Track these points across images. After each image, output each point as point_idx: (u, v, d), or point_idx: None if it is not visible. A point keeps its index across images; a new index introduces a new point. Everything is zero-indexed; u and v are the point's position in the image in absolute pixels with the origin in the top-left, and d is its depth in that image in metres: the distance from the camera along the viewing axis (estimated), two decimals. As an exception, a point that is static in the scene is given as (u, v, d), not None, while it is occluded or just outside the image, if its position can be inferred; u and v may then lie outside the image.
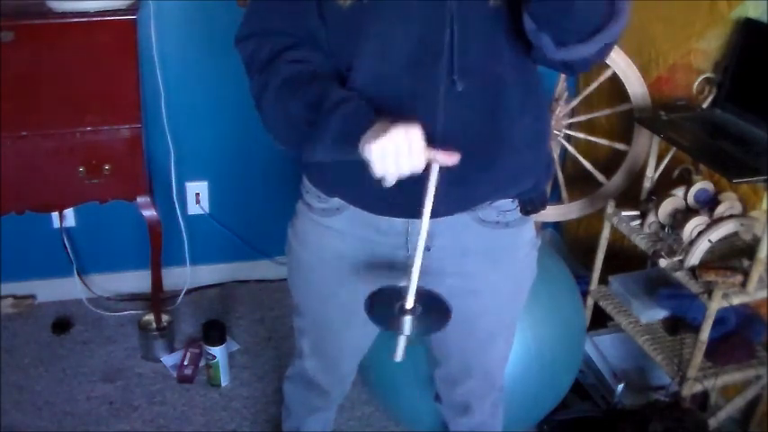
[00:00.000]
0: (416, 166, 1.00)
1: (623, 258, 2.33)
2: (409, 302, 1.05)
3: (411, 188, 1.17)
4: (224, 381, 2.29)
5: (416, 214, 1.23)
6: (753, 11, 1.94)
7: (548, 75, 1.33)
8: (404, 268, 1.31)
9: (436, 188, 1.17)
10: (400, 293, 1.06)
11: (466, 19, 1.08)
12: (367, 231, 1.27)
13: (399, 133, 0.99)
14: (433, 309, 1.10)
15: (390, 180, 1.02)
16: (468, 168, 1.18)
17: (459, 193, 1.21)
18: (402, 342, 1.07)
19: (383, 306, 1.09)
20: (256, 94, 1.16)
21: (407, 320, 1.05)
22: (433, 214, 1.23)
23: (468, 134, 1.16)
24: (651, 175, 2.10)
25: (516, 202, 1.28)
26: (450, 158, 1.02)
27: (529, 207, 1.29)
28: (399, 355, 1.07)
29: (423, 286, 1.07)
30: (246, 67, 1.15)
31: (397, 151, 0.99)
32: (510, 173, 1.22)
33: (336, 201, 1.27)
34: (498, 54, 1.12)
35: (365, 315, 1.39)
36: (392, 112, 1.10)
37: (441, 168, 1.17)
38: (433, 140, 1.16)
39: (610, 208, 2.10)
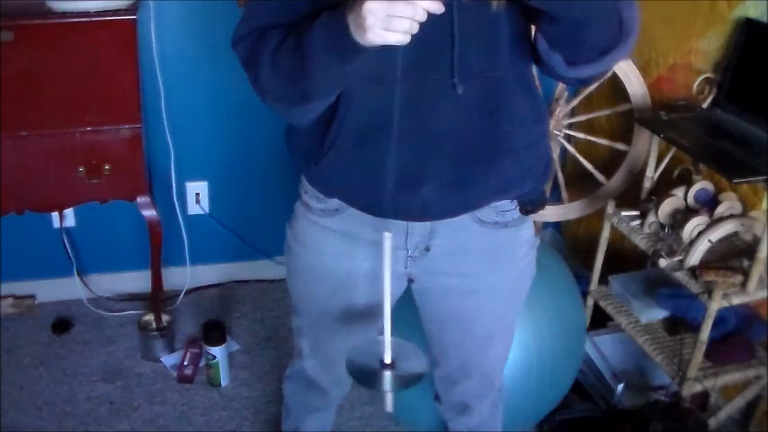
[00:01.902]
0: (414, 8, 0.92)
1: (623, 258, 2.33)
2: (387, 357, 1.04)
3: (410, 190, 1.18)
4: (224, 381, 2.29)
5: (416, 217, 1.23)
6: (753, 11, 1.94)
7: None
8: (404, 268, 1.32)
9: (435, 190, 1.18)
10: (377, 348, 1.04)
11: (467, 22, 1.08)
12: (366, 232, 1.27)
13: None
14: (412, 358, 1.09)
15: (402, 38, 0.94)
16: (467, 172, 1.18)
17: (458, 196, 1.21)
18: (389, 396, 1.07)
19: (363, 363, 1.07)
20: (253, 75, 1.14)
21: (388, 376, 1.04)
22: (433, 217, 1.24)
23: (468, 137, 1.16)
24: (651, 175, 2.10)
25: (515, 202, 1.28)
26: (436, 5, 0.94)
27: (528, 207, 1.29)
28: (389, 406, 1.07)
29: (398, 338, 1.06)
30: (245, 66, 1.15)
31: (386, 2, 0.92)
32: (510, 175, 1.22)
33: (335, 201, 1.27)
34: (498, 57, 1.13)
35: (363, 315, 1.40)
36: (391, 116, 1.10)
37: (441, 170, 1.17)
38: (431, 144, 1.16)
39: (610, 208, 2.10)
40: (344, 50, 1.00)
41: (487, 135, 1.16)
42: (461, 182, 1.18)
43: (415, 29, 0.94)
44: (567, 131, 2.40)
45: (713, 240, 1.83)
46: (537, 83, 1.27)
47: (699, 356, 1.85)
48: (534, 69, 1.23)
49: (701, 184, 1.97)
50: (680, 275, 1.85)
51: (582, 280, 2.21)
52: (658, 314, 2.08)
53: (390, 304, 1.04)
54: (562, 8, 0.99)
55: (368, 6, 0.92)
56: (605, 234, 2.15)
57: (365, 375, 1.06)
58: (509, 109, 1.16)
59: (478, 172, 1.19)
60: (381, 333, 1.05)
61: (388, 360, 1.04)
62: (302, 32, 1.05)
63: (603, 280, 2.21)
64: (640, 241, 1.97)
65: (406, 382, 1.05)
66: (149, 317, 2.41)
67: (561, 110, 2.35)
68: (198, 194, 2.60)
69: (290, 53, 1.07)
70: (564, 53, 1.07)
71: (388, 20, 0.92)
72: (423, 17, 0.93)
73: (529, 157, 1.23)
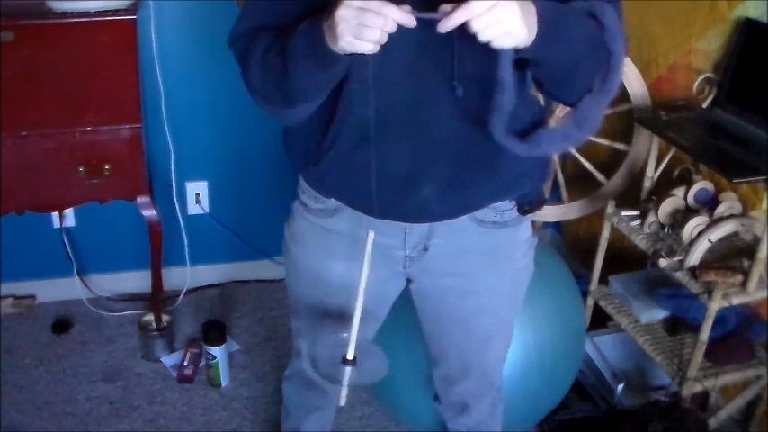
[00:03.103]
0: (385, 19, 0.93)
1: (623, 258, 2.33)
2: (350, 354, 1.08)
3: (410, 192, 1.18)
4: (224, 381, 2.29)
5: (413, 218, 1.23)
6: (753, 11, 1.93)
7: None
8: (402, 268, 1.32)
9: (435, 192, 1.18)
10: (343, 344, 1.09)
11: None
12: (364, 232, 1.27)
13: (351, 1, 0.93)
14: (373, 359, 1.13)
15: (372, 47, 0.95)
16: (467, 173, 1.18)
17: (458, 197, 1.21)
18: (344, 390, 1.11)
19: (326, 355, 1.12)
20: (244, 75, 1.15)
21: (347, 371, 1.08)
22: (432, 218, 1.24)
23: (468, 139, 1.16)
24: (651, 175, 2.10)
25: (513, 202, 1.28)
26: (407, 17, 0.94)
27: (526, 207, 1.29)
28: (342, 400, 1.11)
29: (364, 337, 1.10)
30: (241, 64, 1.16)
31: (357, 11, 0.93)
32: (509, 178, 1.22)
33: (333, 202, 1.27)
34: (498, 60, 1.12)
35: (363, 316, 1.39)
36: (390, 118, 1.10)
37: (440, 172, 1.17)
38: (431, 146, 1.16)
39: (610, 208, 2.10)
40: (322, 57, 1.01)
41: (487, 137, 1.16)
42: (460, 183, 1.18)
43: (385, 39, 0.95)
44: (567, 131, 2.40)
45: (713, 240, 1.83)
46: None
47: (699, 356, 1.85)
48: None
49: (701, 184, 1.97)
50: (680, 275, 1.85)
51: (582, 280, 2.21)
52: (658, 314, 2.08)
53: (362, 303, 1.07)
54: (549, 54, 1.01)
55: (340, 14, 0.94)
56: (605, 234, 2.15)
57: (328, 368, 1.11)
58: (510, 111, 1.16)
59: (477, 174, 1.19)
60: (348, 331, 1.08)
61: (350, 356, 1.08)
62: (287, 37, 1.05)
63: (603, 280, 2.21)
64: (640, 241, 1.97)
65: (363, 381, 1.10)
66: (149, 317, 2.41)
67: (561, 110, 2.34)
68: (198, 194, 2.60)
69: (275, 56, 1.08)
70: (551, 93, 1.11)
71: (359, 28, 0.93)
72: (393, 28, 0.94)
73: (528, 158, 1.23)
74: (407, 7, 0.94)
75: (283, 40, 1.06)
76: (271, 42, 1.09)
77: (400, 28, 0.94)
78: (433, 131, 1.14)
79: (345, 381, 1.08)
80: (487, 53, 1.11)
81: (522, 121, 1.19)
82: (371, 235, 1.05)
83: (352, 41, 0.95)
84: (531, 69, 1.07)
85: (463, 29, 1.06)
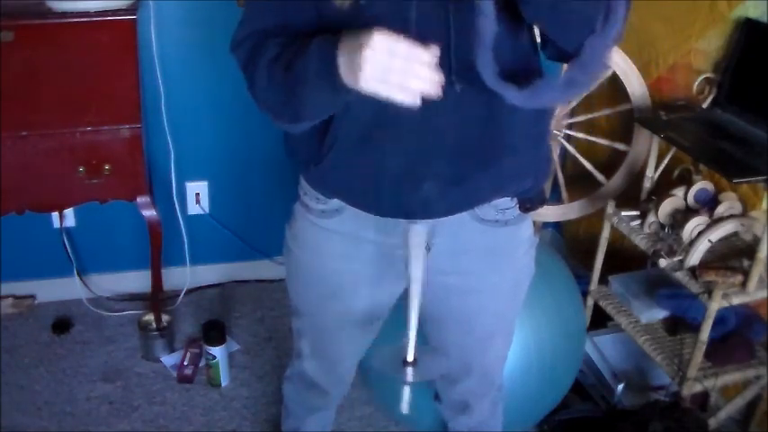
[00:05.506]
0: (414, 70, 0.91)
1: (623, 258, 2.33)
2: (410, 356, 1.13)
3: (411, 188, 1.18)
4: (224, 381, 2.29)
5: (417, 215, 1.23)
6: (753, 11, 1.94)
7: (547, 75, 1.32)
8: (404, 267, 1.31)
9: (436, 187, 1.18)
10: (401, 348, 1.15)
11: (464, 20, 1.07)
12: (366, 232, 1.27)
13: (381, 42, 0.91)
14: (432, 358, 1.20)
15: (411, 97, 0.93)
16: (467, 169, 1.18)
17: (459, 193, 1.21)
18: (407, 393, 1.16)
19: (386, 362, 1.18)
20: (249, 82, 1.14)
21: (410, 372, 1.13)
22: (433, 215, 1.24)
23: (468, 135, 1.15)
24: (651, 175, 2.11)
25: (515, 200, 1.28)
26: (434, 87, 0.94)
27: (528, 205, 1.29)
28: (405, 406, 1.17)
29: (419, 342, 1.16)
30: (245, 71, 1.15)
31: (386, 56, 0.91)
32: (509, 173, 1.22)
33: (335, 202, 1.27)
34: (497, 55, 1.12)
35: (364, 316, 1.40)
36: (390, 115, 1.10)
37: (441, 168, 1.17)
38: (431, 142, 1.16)
39: (610, 208, 2.10)
40: (334, 86, 1.00)
41: (487, 132, 1.16)
42: (461, 179, 1.18)
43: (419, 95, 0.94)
44: (567, 131, 2.40)
45: (713, 240, 1.84)
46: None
47: (699, 356, 1.85)
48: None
49: (701, 184, 1.97)
50: (680, 275, 1.85)
51: (582, 280, 2.21)
52: (658, 314, 2.08)
53: (418, 303, 1.12)
54: None
55: (367, 56, 0.91)
56: (605, 234, 2.15)
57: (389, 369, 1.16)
58: (509, 107, 1.15)
59: (478, 169, 1.18)
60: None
61: (410, 358, 1.12)
62: (297, 53, 1.04)
63: (603, 280, 2.21)
64: (640, 241, 1.97)
65: (424, 378, 1.16)
66: (149, 317, 2.41)
67: (561, 110, 2.35)
68: (198, 194, 2.60)
69: (283, 71, 1.06)
70: (554, 40, 1.05)
71: (385, 73, 0.92)
72: (422, 87, 0.93)
73: (529, 155, 1.23)
74: (436, 49, 0.93)
75: (292, 55, 1.04)
76: (278, 53, 1.07)
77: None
78: (432, 128, 1.13)
79: (410, 379, 1.13)
80: None
81: (526, 116, 1.18)
82: (415, 229, 1.06)
83: (376, 86, 0.93)
84: (522, 9, 1.02)
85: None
